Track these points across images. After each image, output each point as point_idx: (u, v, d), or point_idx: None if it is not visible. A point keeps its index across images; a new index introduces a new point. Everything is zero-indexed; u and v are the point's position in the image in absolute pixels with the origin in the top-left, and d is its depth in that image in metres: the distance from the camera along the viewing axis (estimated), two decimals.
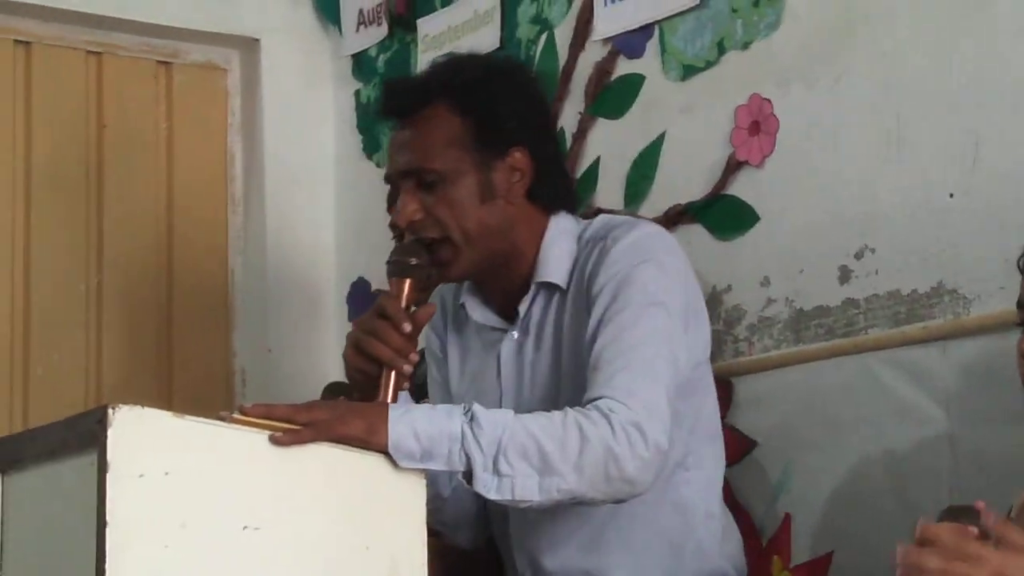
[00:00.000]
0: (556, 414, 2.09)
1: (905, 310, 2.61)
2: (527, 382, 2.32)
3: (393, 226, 2.60)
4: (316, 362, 4.00)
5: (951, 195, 2.56)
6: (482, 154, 2.27)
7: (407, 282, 2.23)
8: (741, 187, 2.93)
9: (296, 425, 2.00)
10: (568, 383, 2.27)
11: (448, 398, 2.45)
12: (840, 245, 2.72)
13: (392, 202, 2.51)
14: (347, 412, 2.05)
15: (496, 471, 2.03)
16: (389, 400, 2.15)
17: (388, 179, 2.38)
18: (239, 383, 4.01)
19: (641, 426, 2.07)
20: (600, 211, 2.69)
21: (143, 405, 1.90)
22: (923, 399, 2.54)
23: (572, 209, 2.38)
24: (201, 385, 3.96)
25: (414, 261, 2.25)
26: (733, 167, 2.94)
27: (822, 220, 2.76)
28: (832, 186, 2.76)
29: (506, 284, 2.34)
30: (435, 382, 2.51)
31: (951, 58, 2.60)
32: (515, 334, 2.34)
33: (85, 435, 1.88)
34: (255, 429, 1.98)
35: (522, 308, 2.32)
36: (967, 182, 2.54)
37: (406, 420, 2.03)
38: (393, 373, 2.17)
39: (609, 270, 2.22)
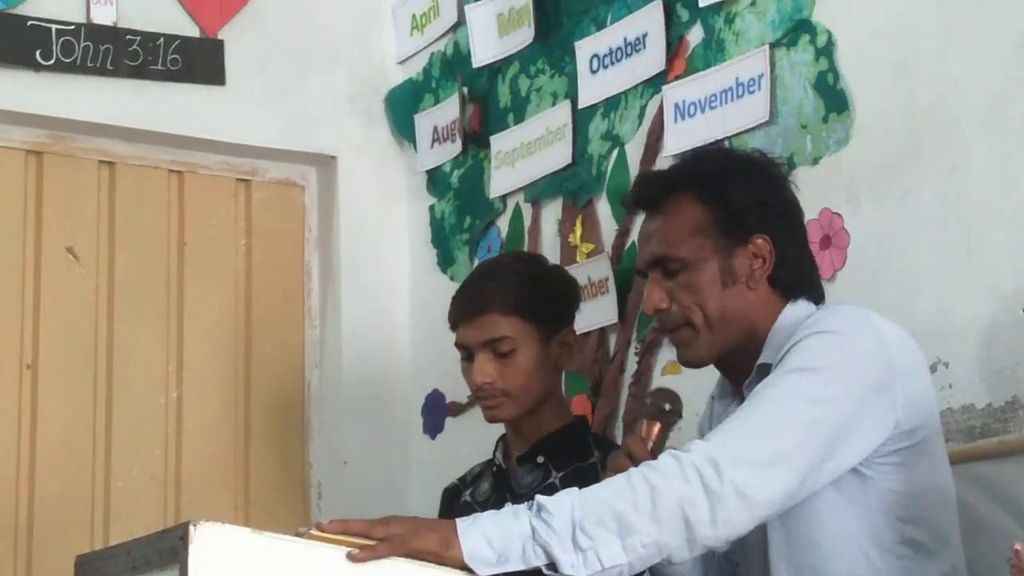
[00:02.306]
0: (620, 475, 2.11)
1: (980, 424, 2.61)
2: None
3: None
4: (392, 474, 4.03)
5: (1023, 309, 2.57)
6: (724, 241, 2.32)
7: (657, 426, 2.31)
8: None
9: (372, 540, 2.03)
10: None
11: None
12: None
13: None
14: (421, 527, 2.08)
15: (577, 547, 2.04)
16: None
17: (638, 271, 2.43)
18: (315, 495, 4.05)
19: (718, 463, 2.06)
20: None
21: (222, 520, 1.94)
22: (1000, 514, 2.53)
23: (815, 297, 2.39)
24: (278, 497, 4.00)
25: (668, 407, 2.32)
26: None
27: None
28: (903, 300, 2.76)
29: (740, 368, 2.36)
30: None
31: (1020, 170, 2.61)
32: None
33: (167, 551, 1.92)
34: (332, 545, 2.01)
35: (746, 392, 2.32)
36: None
37: (476, 528, 2.06)
38: None
39: (793, 339, 2.23)
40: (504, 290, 2.85)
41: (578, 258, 3.54)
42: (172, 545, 1.90)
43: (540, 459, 2.84)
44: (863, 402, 2.18)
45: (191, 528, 1.89)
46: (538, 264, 3.03)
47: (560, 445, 2.81)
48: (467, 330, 2.87)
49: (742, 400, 2.34)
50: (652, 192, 2.39)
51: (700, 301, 2.31)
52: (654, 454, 2.24)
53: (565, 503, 2.06)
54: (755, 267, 2.32)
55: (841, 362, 2.18)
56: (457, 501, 2.97)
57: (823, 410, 2.15)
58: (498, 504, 2.81)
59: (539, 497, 2.08)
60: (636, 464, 2.19)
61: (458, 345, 2.91)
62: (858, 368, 2.19)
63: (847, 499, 2.19)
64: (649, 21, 3.39)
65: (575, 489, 2.10)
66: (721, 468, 2.06)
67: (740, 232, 2.32)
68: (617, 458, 2.25)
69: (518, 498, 2.80)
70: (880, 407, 2.19)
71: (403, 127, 4.16)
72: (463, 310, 2.89)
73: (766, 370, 2.29)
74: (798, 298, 2.35)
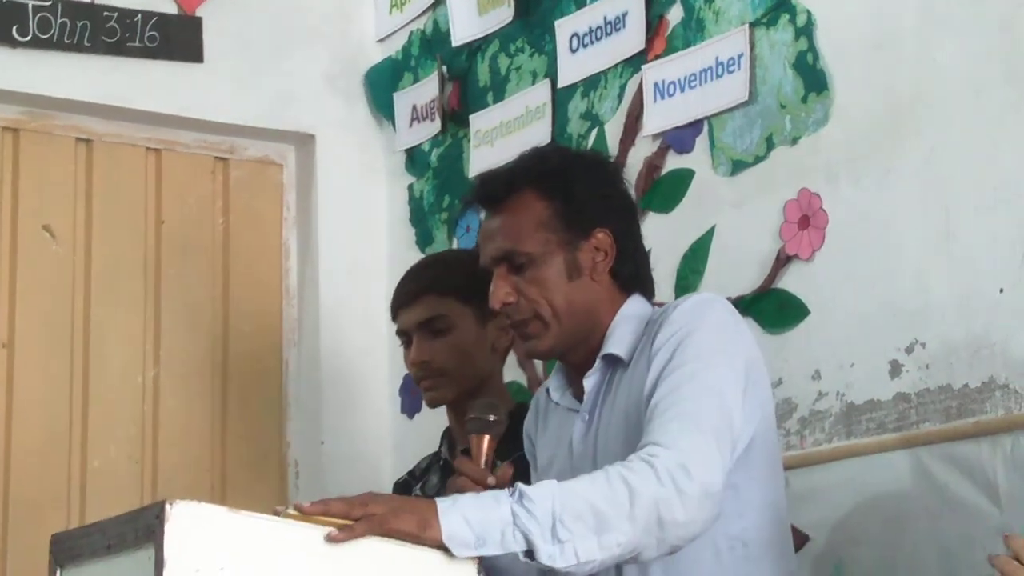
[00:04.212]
0: (599, 472, 2.12)
1: (956, 405, 2.62)
2: (599, 460, 2.34)
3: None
4: (369, 453, 4.03)
5: (1001, 290, 2.57)
6: (568, 235, 2.37)
7: (486, 439, 2.33)
8: (791, 281, 2.95)
9: (351, 520, 2.03)
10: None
11: None
12: (890, 339, 2.73)
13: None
14: (400, 507, 2.08)
15: (556, 539, 2.05)
16: None
17: (483, 267, 2.46)
18: (292, 474, 4.04)
19: (686, 466, 2.11)
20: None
21: (199, 499, 1.93)
22: (975, 494, 2.53)
23: (647, 292, 2.46)
24: (255, 476, 3.99)
25: (492, 418, 2.34)
26: (783, 261, 2.96)
27: (872, 314, 2.78)
28: (882, 280, 2.77)
29: (583, 361, 2.41)
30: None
31: (999, 152, 2.61)
32: (585, 414, 2.38)
33: (143, 530, 1.91)
34: (309, 524, 2.00)
35: (587, 383, 2.38)
36: (1016, 276, 2.55)
37: (456, 509, 2.06)
38: None
39: (667, 331, 2.28)
40: (440, 273, 2.94)
41: None
42: (148, 524, 1.89)
43: None
44: (744, 392, 2.26)
45: (167, 507, 1.87)
46: (476, 254, 3.06)
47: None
48: (405, 315, 2.94)
49: (581, 391, 2.39)
50: (495, 190, 2.43)
51: (547, 294, 2.36)
52: (489, 467, 2.29)
53: (547, 494, 2.07)
54: (598, 260, 2.38)
55: (731, 352, 2.26)
56: (409, 495, 2.98)
57: (731, 402, 2.22)
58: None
59: (520, 485, 2.09)
60: (478, 483, 2.24)
61: (398, 333, 2.98)
62: (739, 359, 2.27)
63: None
64: (629, 0, 3.39)
65: (554, 481, 2.12)
66: (690, 471, 2.11)
67: (583, 226, 2.37)
68: (457, 479, 2.29)
69: None
70: (750, 396, 2.27)
71: (382, 105, 4.14)
72: (400, 295, 2.97)
73: (612, 361, 2.35)
74: (635, 291, 2.42)
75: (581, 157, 2.50)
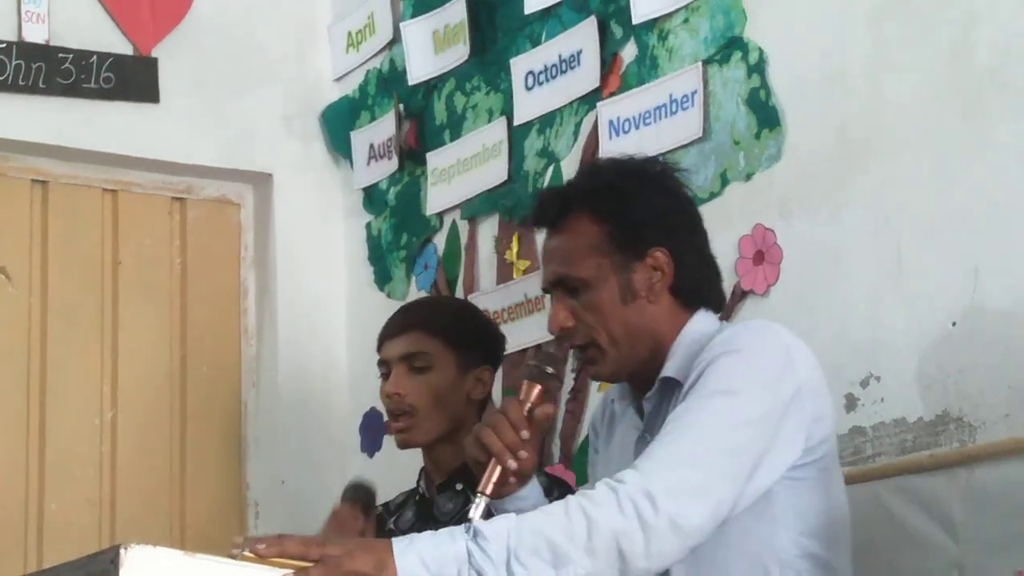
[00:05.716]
0: (557, 504, 2.11)
1: (911, 438, 2.63)
2: None
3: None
4: (330, 493, 3.99)
5: (953, 323, 2.59)
6: (621, 257, 2.33)
7: (537, 388, 2.31)
8: (747, 316, 2.96)
9: (307, 561, 2.02)
10: None
11: None
12: (846, 373, 2.75)
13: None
14: (356, 548, 2.07)
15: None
16: (488, 491, 2.24)
17: (543, 289, 2.45)
18: (252, 515, 4.03)
19: (653, 495, 2.07)
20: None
21: (158, 542, 1.92)
22: (931, 527, 2.55)
23: (716, 304, 2.41)
24: (215, 517, 3.98)
25: (550, 370, 2.33)
26: (738, 296, 2.98)
27: (827, 348, 2.77)
28: (836, 314, 2.79)
29: (648, 379, 2.37)
30: (592, 477, 2.57)
31: (950, 187, 2.64)
32: (646, 435, 2.35)
33: (97, 575, 1.90)
34: (266, 566, 1.99)
35: (647, 405, 2.36)
36: (968, 309, 2.57)
37: (412, 549, 2.05)
38: (499, 467, 2.25)
39: (706, 355, 2.24)
40: (432, 313, 2.97)
41: (515, 275, 3.54)
42: (103, 568, 1.88)
43: (459, 486, 2.87)
44: (778, 422, 2.20)
45: (122, 551, 1.86)
46: (471, 306, 3.19)
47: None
48: (389, 346, 2.95)
49: (640, 410, 2.37)
50: (550, 211, 2.40)
51: (603, 320, 2.33)
52: (530, 415, 2.28)
53: (502, 530, 2.06)
54: (654, 280, 2.34)
55: (757, 383, 2.20)
56: (382, 529, 2.99)
57: (745, 434, 2.17)
58: (420, 532, 2.81)
59: (477, 522, 2.08)
60: (514, 425, 2.24)
61: (380, 363, 2.98)
62: (772, 388, 2.20)
63: (752, 515, 2.20)
64: (584, 38, 3.41)
65: (512, 515, 2.10)
66: (656, 501, 2.07)
67: (637, 247, 2.33)
68: (494, 415, 2.28)
69: (440, 525, 2.80)
70: (792, 425, 2.21)
71: (339, 144, 4.15)
72: (390, 327, 2.98)
73: (670, 383, 2.31)
74: (700, 306, 2.37)
75: (639, 172, 2.42)
